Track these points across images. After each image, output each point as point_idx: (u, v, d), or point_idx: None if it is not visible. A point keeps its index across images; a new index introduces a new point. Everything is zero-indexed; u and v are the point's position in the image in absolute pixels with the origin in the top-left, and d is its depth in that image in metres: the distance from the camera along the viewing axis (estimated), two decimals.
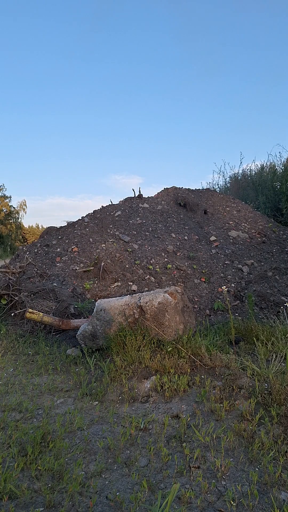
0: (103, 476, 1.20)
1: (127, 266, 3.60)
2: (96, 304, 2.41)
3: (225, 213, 5.33)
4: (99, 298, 2.98)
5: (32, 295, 3.01)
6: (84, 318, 2.82)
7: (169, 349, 2.10)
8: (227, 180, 9.12)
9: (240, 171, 8.79)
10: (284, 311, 2.90)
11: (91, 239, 4.03)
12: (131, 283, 3.36)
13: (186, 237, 4.40)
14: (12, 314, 2.97)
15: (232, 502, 1.07)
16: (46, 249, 3.93)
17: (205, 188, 6.69)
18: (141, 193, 5.53)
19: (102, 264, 3.41)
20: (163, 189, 5.91)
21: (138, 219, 4.66)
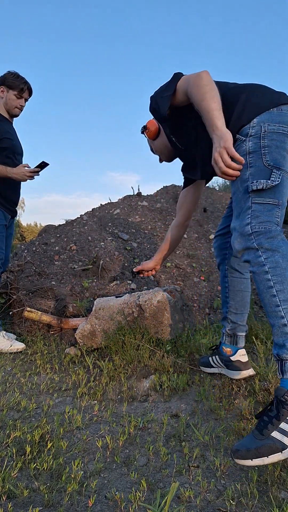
0: (102, 475, 1.19)
1: (126, 264, 3.59)
2: (95, 302, 2.40)
3: (224, 211, 5.33)
4: (97, 297, 2.97)
5: (30, 294, 3.00)
6: (82, 317, 2.81)
7: (168, 348, 2.10)
8: None
9: None
10: None
11: (89, 238, 4.02)
12: (130, 282, 3.35)
13: (185, 235, 4.39)
14: (10, 313, 2.96)
15: (231, 501, 1.07)
16: (45, 247, 3.91)
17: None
18: (140, 191, 5.52)
19: (101, 262, 3.40)
20: (162, 187, 5.89)
21: (137, 217, 4.65)
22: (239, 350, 1.75)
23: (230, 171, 1.21)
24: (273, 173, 1.19)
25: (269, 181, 1.19)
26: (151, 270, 2.13)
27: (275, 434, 1.08)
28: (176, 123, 1.54)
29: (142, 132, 1.79)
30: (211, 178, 1.86)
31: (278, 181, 1.19)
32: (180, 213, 1.95)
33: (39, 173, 2.40)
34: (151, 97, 1.51)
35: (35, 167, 2.39)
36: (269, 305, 1.17)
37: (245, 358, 1.75)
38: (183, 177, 1.91)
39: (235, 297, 1.73)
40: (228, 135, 1.20)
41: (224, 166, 1.20)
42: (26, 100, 2.56)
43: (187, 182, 1.89)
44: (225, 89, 1.34)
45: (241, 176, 1.25)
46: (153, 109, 1.51)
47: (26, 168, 2.40)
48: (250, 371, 1.74)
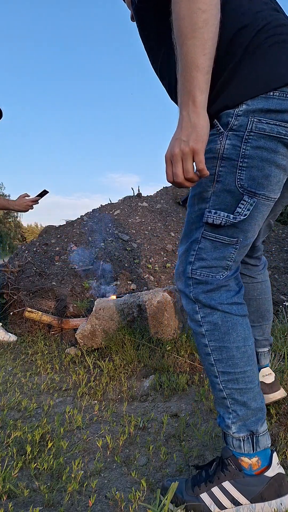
0: (102, 475, 1.20)
1: (126, 265, 3.60)
2: (95, 303, 2.40)
3: None
4: (98, 297, 2.98)
5: (31, 294, 3.00)
6: (83, 317, 2.82)
7: (168, 348, 2.10)
8: None
9: None
10: (283, 310, 2.90)
11: (90, 238, 4.03)
12: (130, 282, 3.36)
13: None
14: (11, 313, 2.97)
15: None
16: (45, 248, 3.92)
17: None
18: (140, 191, 5.53)
19: (101, 263, 3.41)
20: (162, 188, 5.90)
21: (137, 218, 4.66)
22: (262, 370, 1.39)
23: (187, 184, 0.80)
24: (241, 203, 0.84)
25: (231, 215, 0.84)
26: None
27: (204, 496, 0.95)
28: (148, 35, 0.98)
29: None
30: None
31: (244, 216, 0.84)
32: None
33: (39, 201, 2.39)
34: None
35: (36, 196, 2.38)
36: (208, 372, 0.97)
37: (270, 379, 1.39)
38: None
39: (248, 307, 1.22)
40: (205, 130, 0.76)
41: (182, 178, 0.79)
42: None
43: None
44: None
45: (201, 190, 0.88)
46: None
47: (26, 198, 2.38)
48: (277, 394, 1.39)
